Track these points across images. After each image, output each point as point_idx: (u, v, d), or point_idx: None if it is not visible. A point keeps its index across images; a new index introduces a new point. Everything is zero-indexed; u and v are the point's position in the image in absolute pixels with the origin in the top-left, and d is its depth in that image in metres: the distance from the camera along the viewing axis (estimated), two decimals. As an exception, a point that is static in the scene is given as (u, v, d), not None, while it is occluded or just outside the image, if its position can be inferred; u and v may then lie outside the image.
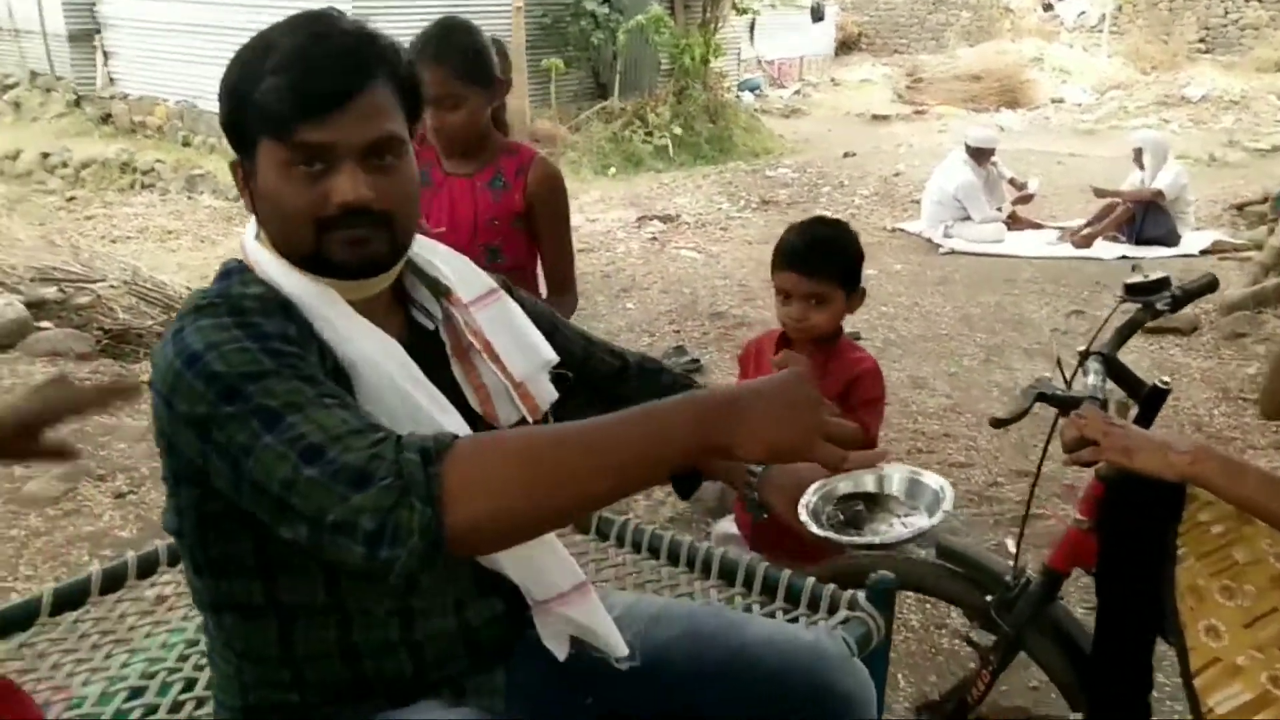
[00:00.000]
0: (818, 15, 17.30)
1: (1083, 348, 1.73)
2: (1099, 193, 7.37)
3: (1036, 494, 1.79)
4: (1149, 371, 4.84)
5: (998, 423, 1.60)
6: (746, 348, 2.38)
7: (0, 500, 3.38)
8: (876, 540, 1.32)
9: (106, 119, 12.52)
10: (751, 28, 14.89)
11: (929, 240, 7.37)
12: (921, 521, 1.32)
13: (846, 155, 10.74)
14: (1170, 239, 6.95)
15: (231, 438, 0.94)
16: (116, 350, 4.87)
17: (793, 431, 0.94)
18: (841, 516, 1.35)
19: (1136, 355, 4.91)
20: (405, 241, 1.14)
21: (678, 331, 5.53)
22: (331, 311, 1.09)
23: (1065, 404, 1.58)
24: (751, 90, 14.89)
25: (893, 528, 1.33)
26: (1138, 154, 7.19)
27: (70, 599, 1.68)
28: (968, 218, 7.24)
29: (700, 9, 12.20)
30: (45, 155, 11.20)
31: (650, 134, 11.14)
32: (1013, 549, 3.22)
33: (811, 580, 1.65)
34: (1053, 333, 5.41)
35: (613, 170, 10.42)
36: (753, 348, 2.34)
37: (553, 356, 1.28)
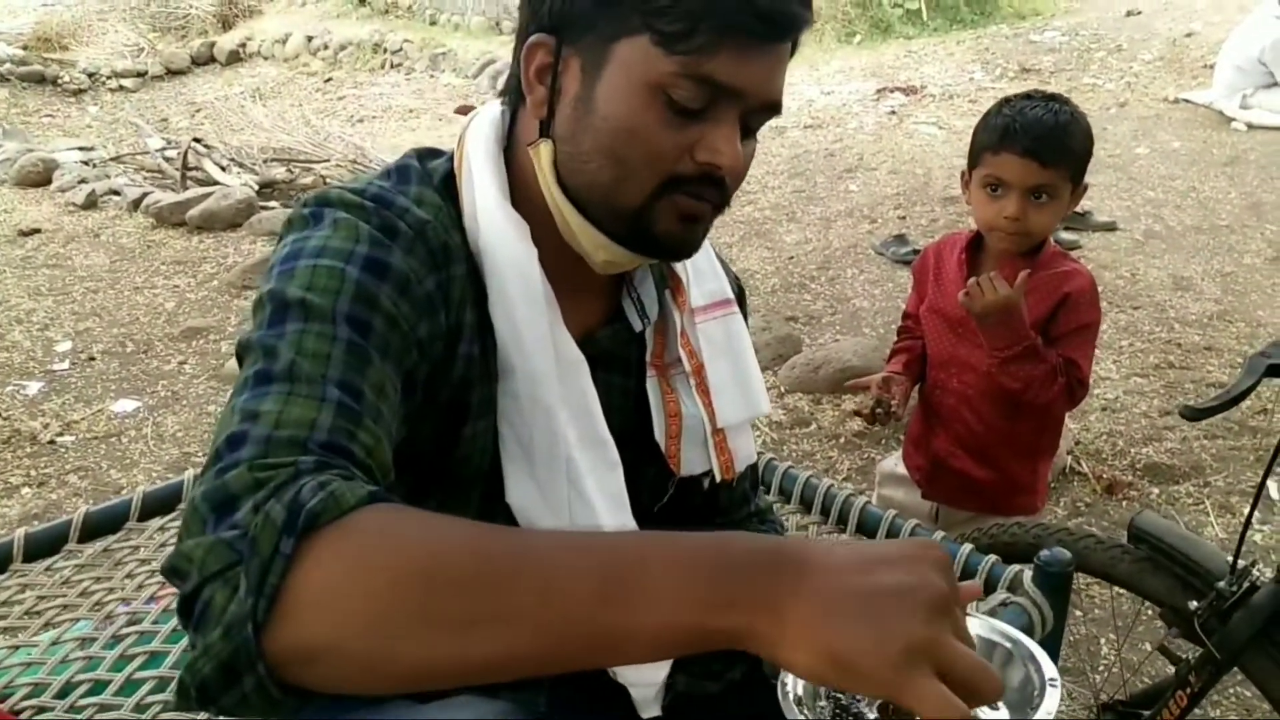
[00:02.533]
0: None
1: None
2: None
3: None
4: None
5: (1194, 414, 1.18)
6: (923, 255, 1.97)
7: (205, 376, 3.57)
8: None
9: (364, 0, 13.00)
10: None
11: (1220, 112, 6.28)
12: None
13: (1129, 14, 9.37)
14: None
15: (247, 341, 0.74)
16: (335, 230, 5.03)
17: (884, 644, 0.51)
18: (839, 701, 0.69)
19: None
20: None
21: (903, 218, 5.02)
22: (522, 283, 0.85)
23: None
24: (1026, -58, 13.28)
25: None
26: None
27: (161, 503, 1.62)
28: (1274, 84, 6.08)
29: None
30: (309, 38, 11.81)
31: (902, -4, 10.20)
32: (1277, 495, 2.68)
33: (968, 548, 1.33)
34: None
35: (858, 38, 9.66)
36: (930, 256, 1.93)
37: (765, 408, 1.02)
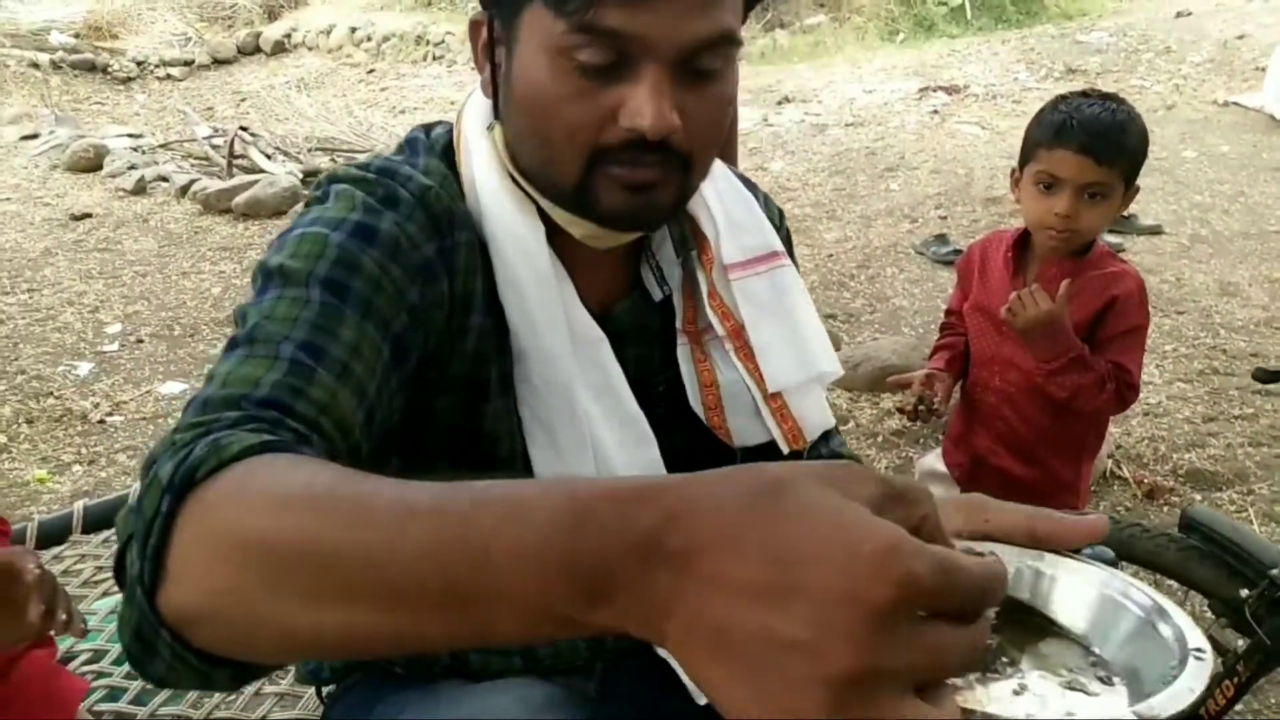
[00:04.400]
0: None
1: None
2: None
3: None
4: None
5: (1266, 376, 1.19)
6: (968, 252, 1.96)
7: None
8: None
9: (409, -8, 13.10)
10: None
11: (1271, 116, 6.19)
12: (1107, 706, 0.50)
13: (1179, 15, 9.22)
14: None
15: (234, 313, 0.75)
16: (377, 219, 5.08)
17: (798, 698, 0.36)
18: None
19: None
20: (694, 189, 0.83)
21: (944, 217, 5.00)
22: (526, 258, 0.81)
23: None
24: (1074, -59, 13.12)
25: (1041, 701, 0.50)
26: None
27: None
28: (1327, 89, 6.00)
29: None
30: (353, 30, 11.92)
31: (947, -6, 10.11)
32: (1322, 506, 2.64)
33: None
34: None
35: (901, 36, 9.59)
36: (976, 253, 1.92)
37: (834, 368, 0.92)
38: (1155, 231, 4.56)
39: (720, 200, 0.90)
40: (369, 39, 11.62)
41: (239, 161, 5.75)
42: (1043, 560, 0.59)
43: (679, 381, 0.90)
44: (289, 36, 12.31)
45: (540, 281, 0.81)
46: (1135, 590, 0.57)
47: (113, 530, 1.54)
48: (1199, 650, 0.50)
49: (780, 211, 1.03)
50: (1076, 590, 0.58)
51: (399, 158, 0.83)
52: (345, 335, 0.70)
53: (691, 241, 0.90)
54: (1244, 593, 1.37)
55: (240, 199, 4.98)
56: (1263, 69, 6.75)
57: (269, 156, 5.60)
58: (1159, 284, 4.03)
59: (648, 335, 0.90)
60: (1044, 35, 9.13)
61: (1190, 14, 9.25)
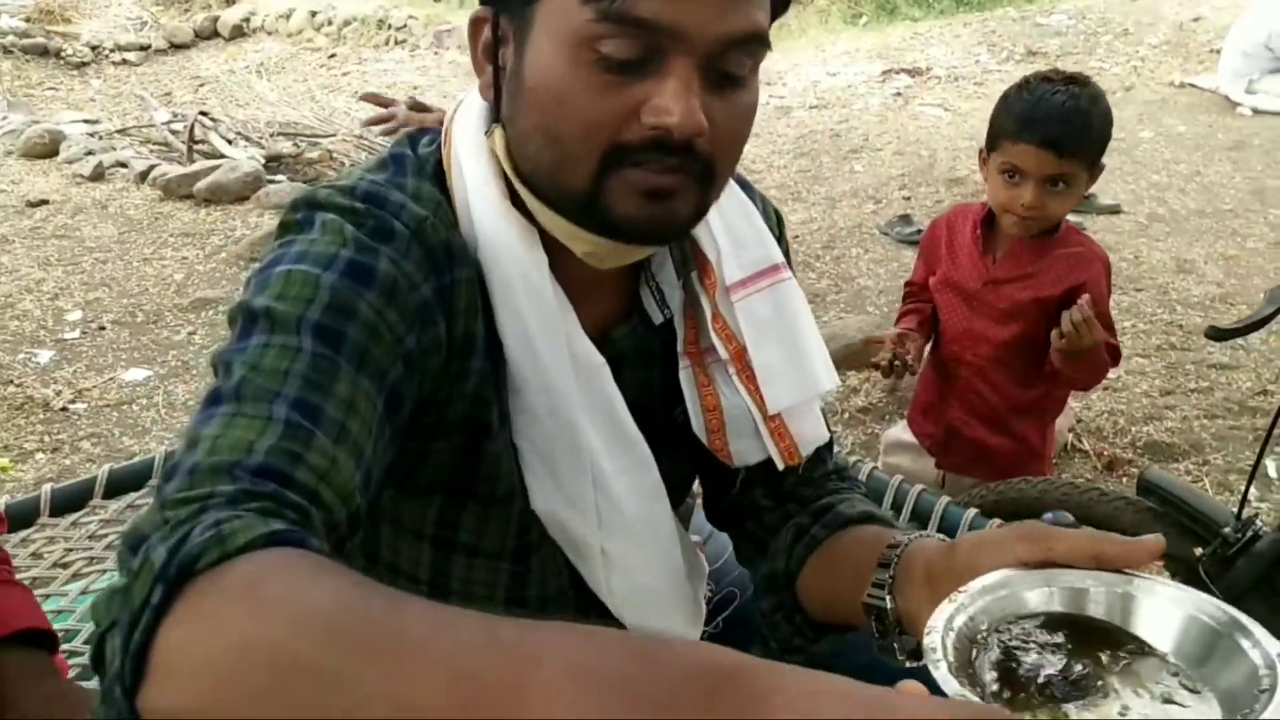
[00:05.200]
0: None
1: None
2: None
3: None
4: None
5: (1218, 334, 1.23)
6: (933, 227, 2.00)
7: (214, 347, 3.59)
8: None
9: (369, -24, 12.95)
10: None
11: (1225, 97, 6.29)
12: (1203, 711, 0.53)
13: (1137, -3, 9.35)
14: None
15: (214, 358, 0.68)
16: (341, 204, 5.04)
17: None
18: (1054, 666, 0.55)
19: None
20: (711, 204, 0.77)
21: (908, 198, 5.05)
22: (527, 284, 0.76)
23: None
24: (1033, -75, 13.22)
25: (1128, 711, 0.53)
26: None
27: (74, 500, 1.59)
28: (1280, 70, 6.10)
29: None
30: (313, 14, 11.77)
31: (909, -23, 10.17)
32: (1274, 474, 2.71)
33: (973, 512, 1.36)
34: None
35: (864, 19, 9.64)
36: (943, 228, 1.95)
37: (833, 384, 0.89)
38: (1114, 210, 4.64)
39: (721, 215, 0.84)
40: (329, 23, 11.48)
41: (199, 147, 5.68)
42: (1116, 581, 0.61)
43: (679, 404, 0.87)
44: (247, 20, 12.13)
45: (544, 314, 0.77)
46: (1210, 606, 0.58)
47: (80, 512, 1.54)
48: (1273, 663, 0.52)
49: (779, 215, 1.00)
50: (1157, 608, 0.59)
51: (382, 177, 0.77)
52: (340, 390, 0.65)
53: (693, 262, 0.86)
54: (1198, 551, 1.42)
55: (202, 184, 4.92)
56: (1217, 51, 6.85)
57: (230, 142, 5.53)
58: (1118, 262, 4.09)
59: (648, 358, 0.88)
60: (1005, 18, 9.21)
61: (1147, -4, 9.36)
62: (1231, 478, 2.70)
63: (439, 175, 0.79)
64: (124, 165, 5.54)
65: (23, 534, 1.49)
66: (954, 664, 0.53)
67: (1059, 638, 0.57)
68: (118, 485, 1.58)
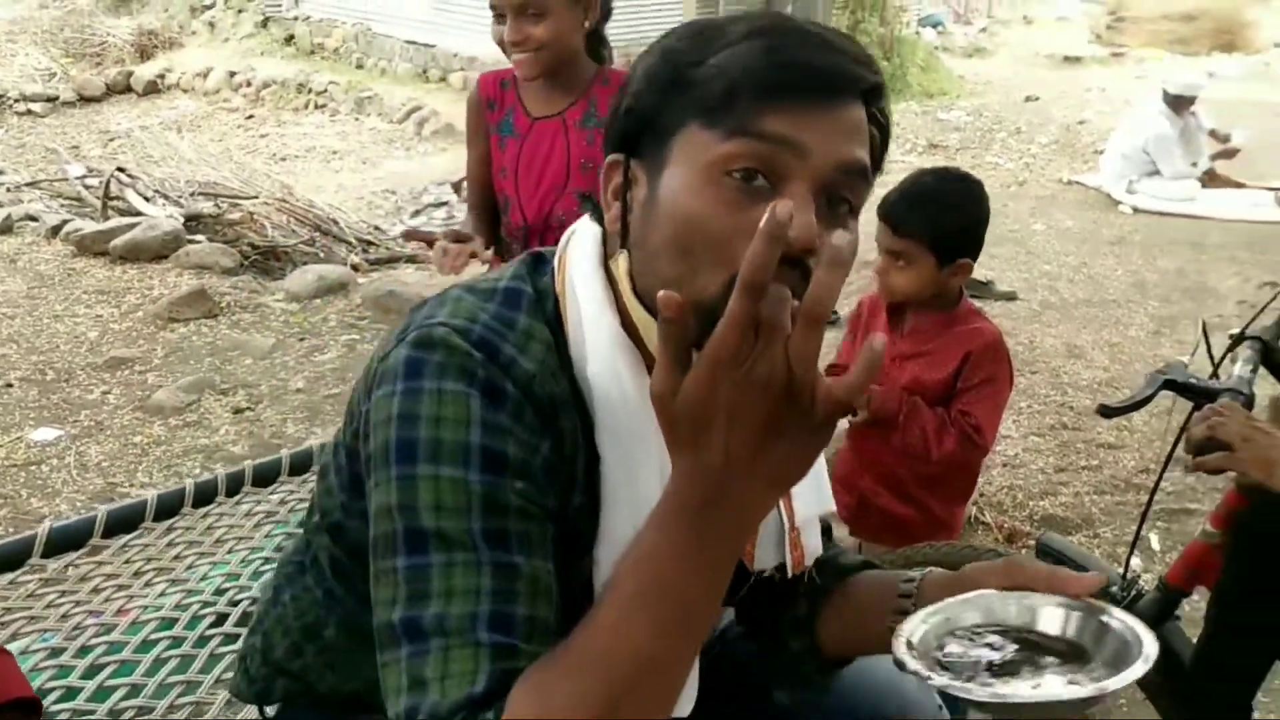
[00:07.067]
0: (1014, -54, 16.10)
1: (1236, 330, 1.47)
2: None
3: (1197, 489, 1.54)
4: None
5: (1107, 412, 1.38)
6: (858, 305, 2.16)
7: (130, 407, 3.54)
8: (1016, 700, 0.73)
9: (290, 40, 12.98)
10: (939, -41, 14.02)
11: (1109, 195, 6.77)
12: (1101, 680, 0.73)
13: (1028, 99, 10.01)
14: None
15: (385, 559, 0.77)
16: (262, 266, 5.02)
17: (783, 443, 0.64)
18: (990, 657, 0.78)
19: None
20: None
21: (819, 280, 5.27)
22: (632, 415, 0.82)
23: (1199, 396, 1.35)
24: (933, 26, 14.03)
25: (1044, 683, 0.75)
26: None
27: (124, 522, 1.67)
28: (1156, 172, 6.60)
29: (882, -63, 11.52)
30: (232, 74, 11.73)
31: (818, 70, 10.66)
32: (1156, 545, 2.92)
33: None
34: (1242, 304, 4.86)
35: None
36: (865, 305, 2.12)
37: (832, 505, 0.98)
38: (1010, 297, 4.93)
39: None
40: (248, 84, 11.44)
41: (114, 203, 5.60)
42: (1062, 602, 0.81)
43: None
44: (162, 77, 12.02)
45: (645, 436, 0.80)
46: (1116, 613, 0.78)
47: (19, 571, 1.53)
48: (1149, 656, 0.72)
49: None
50: (1069, 616, 0.80)
51: (496, 310, 0.81)
52: (521, 588, 0.75)
53: None
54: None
55: (119, 241, 4.85)
56: (1100, 152, 7.39)
57: (148, 199, 5.47)
58: (1014, 346, 4.34)
59: None
60: (908, 111, 9.73)
61: (1038, 99, 10.03)
62: (1119, 549, 2.89)
63: (555, 307, 0.84)
64: (34, 219, 5.43)
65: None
66: (915, 647, 0.76)
67: (1001, 639, 0.80)
68: (57, 544, 1.59)
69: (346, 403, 0.92)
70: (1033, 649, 0.78)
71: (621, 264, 0.83)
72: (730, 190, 0.74)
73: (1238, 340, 1.43)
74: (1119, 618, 0.77)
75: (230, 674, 1.39)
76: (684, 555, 0.68)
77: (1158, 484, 1.51)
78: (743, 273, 0.62)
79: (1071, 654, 0.77)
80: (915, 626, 0.79)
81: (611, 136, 0.83)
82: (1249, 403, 1.32)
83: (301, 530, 1.06)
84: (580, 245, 0.86)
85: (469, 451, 0.75)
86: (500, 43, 1.97)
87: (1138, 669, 0.71)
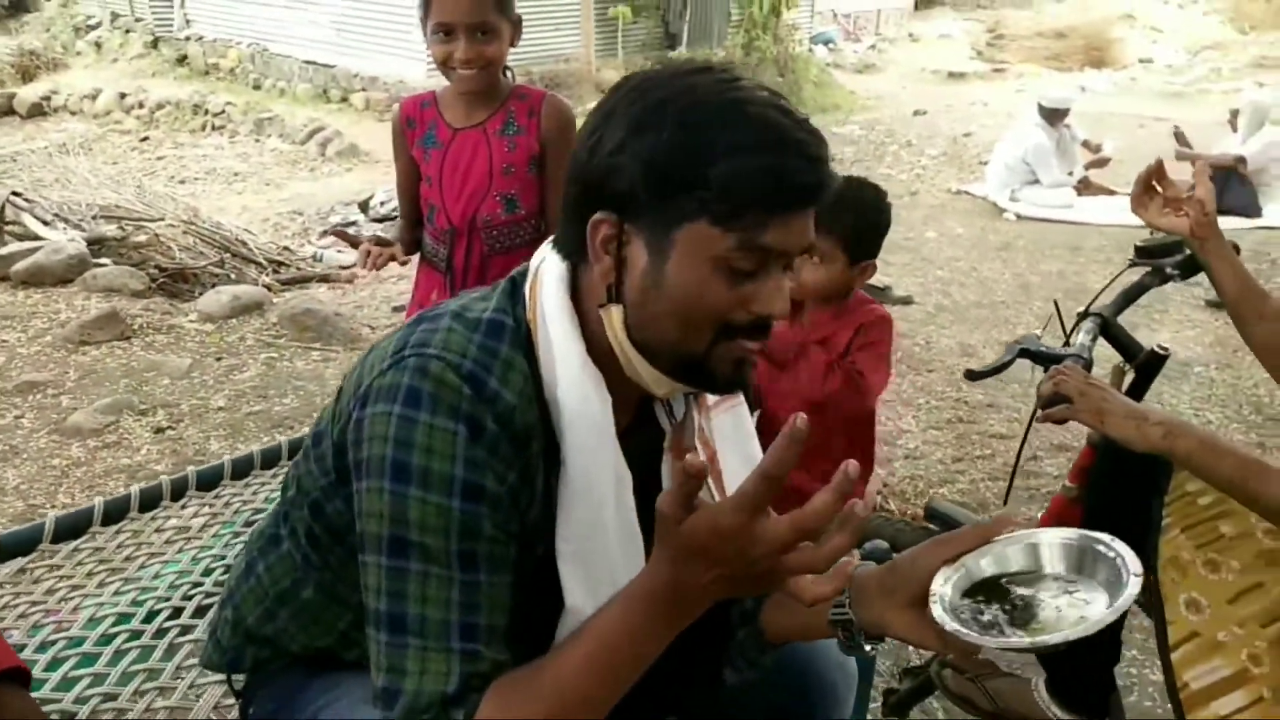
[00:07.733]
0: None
1: (1082, 309, 1.68)
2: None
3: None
4: (1210, 347, 4.68)
5: (973, 375, 1.57)
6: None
7: (46, 430, 3.49)
8: (1050, 641, 0.87)
9: (182, 60, 12.74)
10: (828, -21, 14.52)
11: (994, 204, 7.15)
12: (1098, 605, 0.88)
13: (917, 113, 10.46)
14: (1251, 210, 6.64)
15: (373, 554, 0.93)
16: (171, 289, 4.98)
17: (739, 561, 0.82)
18: (1001, 612, 0.91)
19: (1199, 331, 4.73)
20: None
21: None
22: (594, 430, 0.97)
23: (1048, 360, 1.55)
24: (825, 44, 14.54)
25: (1061, 614, 0.89)
26: (1234, 117, 6.86)
27: (72, 528, 1.72)
28: (1036, 181, 7.01)
29: (774, -41, 11.92)
30: (123, 96, 11.47)
31: (717, 87, 10.95)
32: (1036, 515, 3.15)
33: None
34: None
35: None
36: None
37: None
38: (907, 301, 5.19)
39: None
40: (140, 105, 11.20)
41: (10, 228, 5.47)
42: (1020, 537, 0.96)
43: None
44: (48, 99, 11.67)
45: (604, 445, 0.98)
46: (1099, 537, 0.93)
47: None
48: (1137, 573, 0.86)
49: None
50: (1058, 545, 0.94)
51: (482, 343, 0.94)
52: (485, 601, 0.92)
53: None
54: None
55: (20, 266, 4.75)
56: (985, 163, 7.79)
57: (47, 223, 5.36)
58: (912, 346, 4.60)
59: (642, 462, 1.04)
60: (804, 127, 10.07)
61: (926, 113, 10.49)
62: (1012, 529, 3.12)
63: (527, 333, 0.98)
64: (-76, 245, 5.27)
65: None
66: (949, 618, 0.89)
67: (1011, 591, 0.93)
68: (9, 549, 1.63)
69: (335, 393, 1.04)
70: (1033, 585, 0.93)
71: (615, 316, 0.96)
72: (726, 274, 0.91)
73: (1083, 316, 1.65)
74: (1105, 542, 0.92)
75: (193, 660, 1.46)
76: (643, 632, 0.88)
77: (1025, 437, 1.72)
78: (766, 466, 0.80)
79: (1066, 581, 0.92)
80: (941, 589, 0.93)
81: (599, 192, 0.93)
82: (1088, 365, 1.53)
83: (263, 515, 1.16)
84: (550, 285, 0.99)
85: (453, 482, 0.90)
86: (444, 61, 2.09)
87: (1134, 586, 0.86)
